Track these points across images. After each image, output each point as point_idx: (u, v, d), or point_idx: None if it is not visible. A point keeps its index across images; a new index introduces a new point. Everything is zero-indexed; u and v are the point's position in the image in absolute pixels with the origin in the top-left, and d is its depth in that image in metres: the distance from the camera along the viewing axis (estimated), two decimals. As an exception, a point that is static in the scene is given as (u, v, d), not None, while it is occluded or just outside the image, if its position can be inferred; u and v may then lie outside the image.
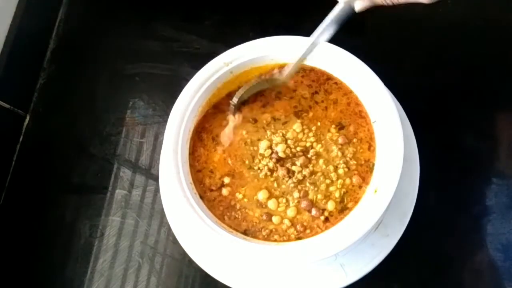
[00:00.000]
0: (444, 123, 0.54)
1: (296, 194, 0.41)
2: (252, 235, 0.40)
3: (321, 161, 0.42)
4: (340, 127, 0.43)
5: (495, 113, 0.55)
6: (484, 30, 0.58)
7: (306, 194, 0.41)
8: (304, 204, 0.40)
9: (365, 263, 0.43)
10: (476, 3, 0.60)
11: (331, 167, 0.42)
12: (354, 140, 0.42)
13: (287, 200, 0.41)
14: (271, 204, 0.41)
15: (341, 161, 0.42)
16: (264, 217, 0.41)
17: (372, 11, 0.60)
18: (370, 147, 0.42)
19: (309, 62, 0.45)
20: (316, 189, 0.41)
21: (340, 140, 0.42)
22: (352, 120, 0.43)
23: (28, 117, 0.61)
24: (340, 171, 0.41)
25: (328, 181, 0.41)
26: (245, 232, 0.40)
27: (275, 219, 0.40)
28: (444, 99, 0.55)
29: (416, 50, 0.58)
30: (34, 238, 0.56)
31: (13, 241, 0.56)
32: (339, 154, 0.42)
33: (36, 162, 0.59)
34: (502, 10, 0.59)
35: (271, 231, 0.40)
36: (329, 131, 0.43)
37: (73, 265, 0.53)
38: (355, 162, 0.42)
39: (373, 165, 0.41)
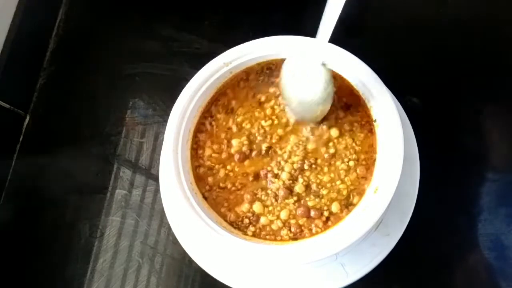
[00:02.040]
0: (444, 123, 0.54)
1: (291, 206, 0.40)
2: (240, 230, 0.40)
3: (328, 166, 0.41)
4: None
5: (495, 113, 0.55)
6: (484, 30, 0.58)
7: (305, 203, 0.40)
8: (300, 211, 0.40)
9: (366, 263, 0.43)
10: (476, 3, 0.60)
11: (341, 164, 0.41)
12: (355, 124, 0.42)
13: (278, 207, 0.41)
14: (257, 207, 0.41)
15: (351, 151, 0.41)
16: (254, 218, 0.41)
17: (371, 11, 0.60)
18: (371, 131, 0.42)
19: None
20: (318, 199, 0.40)
21: (346, 127, 0.42)
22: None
23: (28, 117, 0.61)
24: (351, 163, 0.41)
25: (338, 182, 0.40)
26: (232, 225, 0.40)
27: (263, 219, 0.40)
28: (444, 99, 0.55)
29: (416, 50, 0.58)
30: (34, 238, 0.56)
31: (13, 241, 0.56)
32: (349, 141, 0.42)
33: (36, 162, 0.59)
34: (502, 10, 0.59)
35: (260, 229, 0.40)
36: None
37: (73, 265, 0.53)
38: (360, 148, 0.41)
39: (376, 155, 0.41)
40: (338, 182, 0.41)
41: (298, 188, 0.40)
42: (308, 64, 0.39)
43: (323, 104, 0.40)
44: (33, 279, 0.54)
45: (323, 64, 0.39)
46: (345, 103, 0.43)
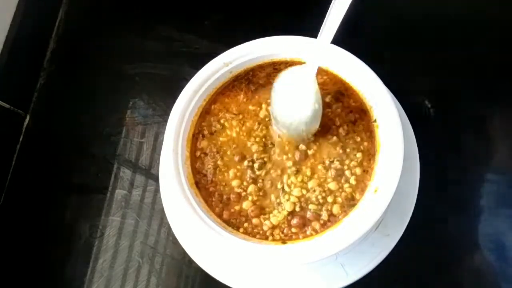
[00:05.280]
0: (444, 123, 0.54)
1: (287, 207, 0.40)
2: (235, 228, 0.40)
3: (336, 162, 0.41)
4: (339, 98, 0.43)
5: (495, 113, 0.55)
6: (484, 30, 0.58)
7: (305, 210, 0.40)
8: (295, 221, 0.40)
9: (366, 263, 0.43)
10: (476, 2, 0.60)
11: (345, 170, 0.41)
12: (359, 134, 0.42)
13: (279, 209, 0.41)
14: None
15: (352, 156, 0.41)
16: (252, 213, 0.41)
17: (371, 11, 0.60)
18: (372, 134, 0.42)
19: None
20: (321, 206, 0.40)
21: (351, 117, 0.42)
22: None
23: (28, 117, 0.61)
24: (357, 170, 0.41)
25: (346, 186, 0.40)
26: (227, 222, 0.41)
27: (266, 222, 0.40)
28: (444, 99, 0.55)
29: (416, 50, 0.58)
30: (34, 238, 0.56)
31: (13, 241, 0.56)
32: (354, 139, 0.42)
33: (36, 162, 0.59)
34: (502, 9, 0.59)
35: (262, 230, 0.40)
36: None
37: (73, 265, 0.53)
38: (362, 151, 0.41)
39: (376, 156, 0.40)
40: (346, 186, 0.40)
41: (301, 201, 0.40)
42: (298, 81, 0.39)
43: (311, 124, 0.40)
44: (33, 279, 0.54)
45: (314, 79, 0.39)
46: (354, 118, 0.43)
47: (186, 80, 0.44)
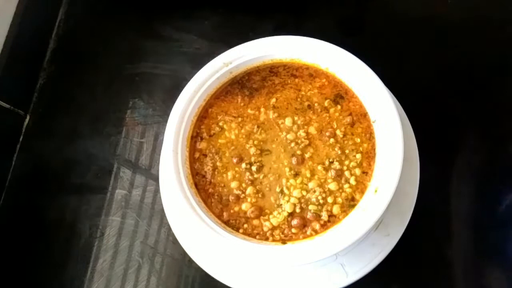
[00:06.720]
0: (444, 123, 0.54)
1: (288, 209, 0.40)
2: (236, 229, 0.40)
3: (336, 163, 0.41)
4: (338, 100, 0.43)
5: (495, 113, 0.55)
6: (484, 30, 0.58)
7: (305, 211, 0.40)
8: (295, 221, 0.40)
9: (366, 263, 0.43)
10: (476, 3, 0.60)
11: (345, 170, 0.41)
12: (358, 135, 0.42)
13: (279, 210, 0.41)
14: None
15: (353, 149, 0.41)
16: (252, 215, 0.41)
17: (371, 11, 0.60)
18: (371, 135, 0.42)
19: (309, 60, 0.45)
20: (321, 206, 0.40)
21: (348, 120, 0.42)
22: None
23: (28, 117, 0.61)
24: (353, 163, 0.41)
25: (345, 186, 0.40)
26: (227, 223, 0.41)
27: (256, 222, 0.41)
28: (444, 99, 0.55)
29: (416, 50, 0.58)
30: (34, 238, 0.56)
31: (13, 241, 0.56)
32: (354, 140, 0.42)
33: (36, 162, 0.59)
34: (502, 10, 0.59)
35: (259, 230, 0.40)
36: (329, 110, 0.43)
37: (73, 265, 0.53)
38: (361, 153, 0.41)
39: (376, 156, 0.41)
40: (346, 186, 0.41)
41: (302, 204, 0.41)
42: None
43: None
44: (33, 279, 0.54)
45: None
46: (353, 121, 0.43)
47: (186, 80, 0.44)
